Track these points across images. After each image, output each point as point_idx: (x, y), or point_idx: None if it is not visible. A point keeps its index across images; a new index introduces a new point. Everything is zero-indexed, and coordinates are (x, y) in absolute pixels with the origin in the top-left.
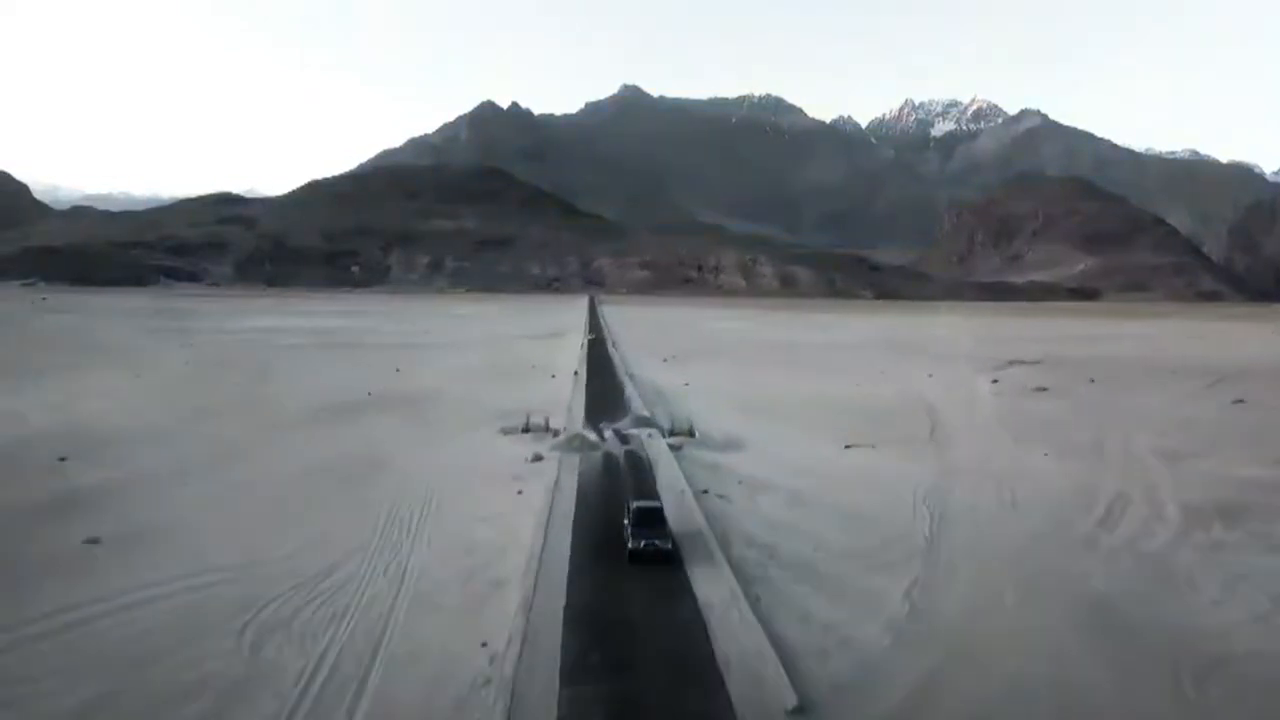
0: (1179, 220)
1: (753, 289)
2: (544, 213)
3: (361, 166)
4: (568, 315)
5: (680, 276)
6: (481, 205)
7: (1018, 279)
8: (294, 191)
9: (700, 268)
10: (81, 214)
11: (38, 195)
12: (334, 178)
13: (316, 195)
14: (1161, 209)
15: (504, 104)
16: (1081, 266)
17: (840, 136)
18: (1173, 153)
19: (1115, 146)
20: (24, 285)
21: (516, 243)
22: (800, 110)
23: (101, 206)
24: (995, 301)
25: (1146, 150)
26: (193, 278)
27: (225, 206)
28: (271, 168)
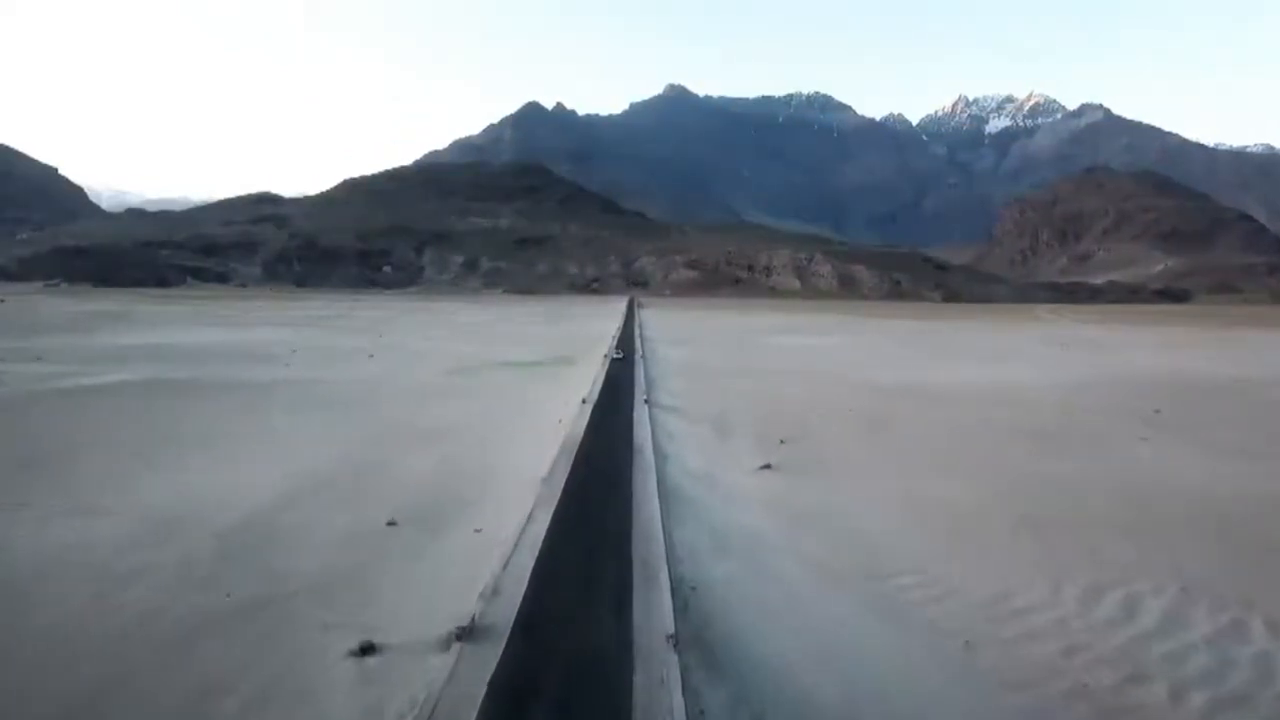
0: (1256, 216)
1: (808, 290)
2: (584, 210)
3: (403, 167)
4: (598, 324)
5: (730, 277)
6: (519, 202)
7: (1093, 279)
8: (329, 190)
9: (751, 267)
10: (124, 215)
11: (104, 199)
12: (370, 176)
13: (351, 194)
14: (1237, 205)
15: (549, 105)
16: (1161, 266)
17: (890, 134)
18: (1245, 147)
19: (1185, 141)
20: (48, 285)
21: (555, 241)
22: (849, 108)
23: (158, 209)
24: (1079, 305)
25: (1217, 144)
26: (221, 278)
27: (261, 206)
28: (321, 171)
